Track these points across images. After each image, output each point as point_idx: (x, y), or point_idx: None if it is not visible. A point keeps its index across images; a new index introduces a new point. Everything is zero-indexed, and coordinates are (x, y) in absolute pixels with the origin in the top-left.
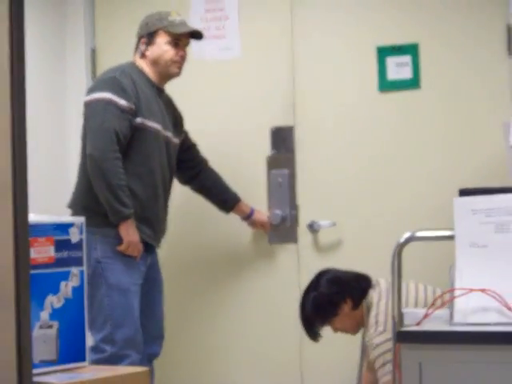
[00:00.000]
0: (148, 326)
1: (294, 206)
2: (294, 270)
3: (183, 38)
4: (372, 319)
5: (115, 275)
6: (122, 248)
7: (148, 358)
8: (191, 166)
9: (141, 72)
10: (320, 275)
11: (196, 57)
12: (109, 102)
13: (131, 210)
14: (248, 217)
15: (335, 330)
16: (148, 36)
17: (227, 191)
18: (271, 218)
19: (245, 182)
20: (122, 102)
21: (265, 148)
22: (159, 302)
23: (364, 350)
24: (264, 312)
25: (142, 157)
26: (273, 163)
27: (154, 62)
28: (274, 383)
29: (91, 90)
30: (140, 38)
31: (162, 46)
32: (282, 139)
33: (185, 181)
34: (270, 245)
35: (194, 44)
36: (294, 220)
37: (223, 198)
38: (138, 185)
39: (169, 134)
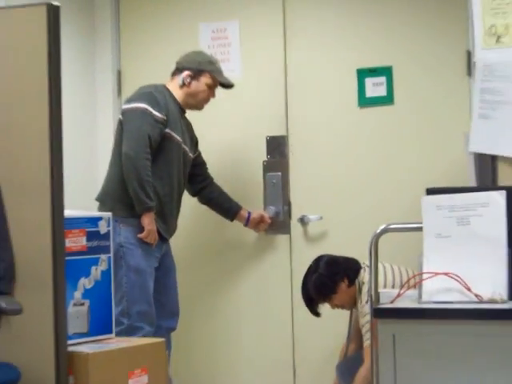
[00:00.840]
0: (165, 304)
1: (286, 203)
2: (287, 256)
3: (217, 83)
4: (365, 294)
5: (134, 259)
6: (142, 235)
7: (166, 331)
8: (200, 181)
9: (171, 94)
10: (318, 260)
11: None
12: (145, 111)
13: (154, 203)
14: (248, 219)
15: (333, 306)
16: (196, 72)
17: (230, 201)
18: (267, 212)
19: (244, 183)
20: (156, 113)
21: (261, 154)
22: (174, 284)
23: (351, 323)
24: (261, 291)
25: (165, 161)
26: (268, 167)
27: (190, 95)
28: (268, 356)
29: (130, 101)
30: (184, 69)
31: (203, 86)
32: (277, 146)
33: (194, 192)
34: (267, 235)
35: None
36: (287, 214)
37: (226, 207)
38: (158, 184)
39: (186, 148)
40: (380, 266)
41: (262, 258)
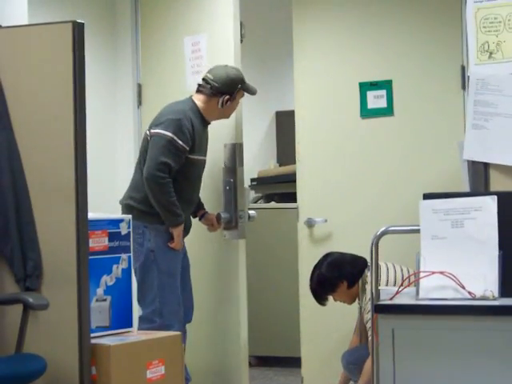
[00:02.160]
0: (184, 299)
1: (238, 209)
2: (243, 257)
3: None
4: (369, 292)
5: (165, 262)
6: (173, 245)
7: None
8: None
9: (198, 111)
10: (325, 257)
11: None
12: (170, 141)
13: (182, 218)
14: (202, 217)
15: (335, 300)
16: (231, 90)
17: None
18: (221, 217)
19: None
20: (181, 143)
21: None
22: (189, 280)
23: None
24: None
25: (187, 182)
26: (225, 173)
27: (226, 114)
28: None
29: (159, 125)
30: (222, 93)
31: (237, 103)
32: (232, 154)
33: None
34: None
35: (189, 77)
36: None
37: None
38: (180, 202)
39: (205, 158)
40: (383, 265)
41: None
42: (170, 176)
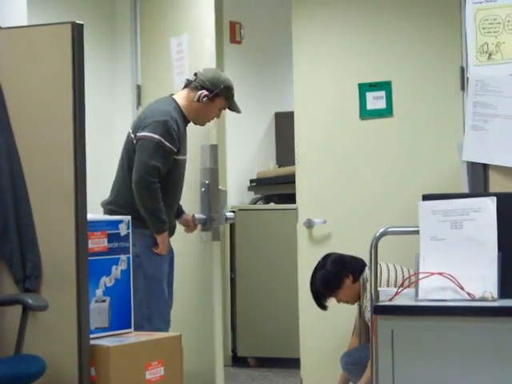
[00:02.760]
0: None
1: (215, 210)
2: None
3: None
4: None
5: (151, 267)
6: (158, 251)
7: None
8: None
9: (180, 111)
10: (326, 257)
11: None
12: (158, 144)
13: (167, 224)
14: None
15: (339, 300)
16: (213, 94)
17: None
18: (196, 220)
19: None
20: (169, 145)
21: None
22: (172, 281)
23: (358, 317)
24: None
25: (171, 183)
26: (202, 175)
27: (201, 113)
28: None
29: (146, 127)
30: (204, 88)
31: (215, 109)
32: (208, 155)
33: None
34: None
35: (175, 78)
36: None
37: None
38: (165, 203)
39: (186, 158)
40: (384, 265)
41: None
42: (159, 180)
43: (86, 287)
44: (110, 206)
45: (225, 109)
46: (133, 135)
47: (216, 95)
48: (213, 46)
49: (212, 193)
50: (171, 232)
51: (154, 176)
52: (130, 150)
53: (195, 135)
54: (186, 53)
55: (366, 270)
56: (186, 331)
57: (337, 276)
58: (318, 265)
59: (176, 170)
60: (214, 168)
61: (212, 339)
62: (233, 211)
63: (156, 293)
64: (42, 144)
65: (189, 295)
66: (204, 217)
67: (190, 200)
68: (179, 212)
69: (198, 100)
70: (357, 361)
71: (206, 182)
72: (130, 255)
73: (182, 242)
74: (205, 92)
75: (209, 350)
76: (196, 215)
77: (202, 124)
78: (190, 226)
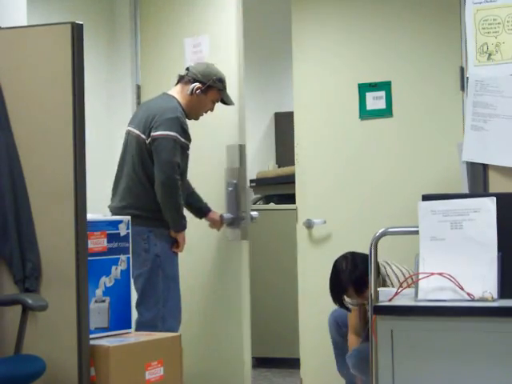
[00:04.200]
0: None
1: (243, 209)
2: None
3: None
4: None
5: (170, 267)
6: (179, 250)
7: None
8: None
9: (181, 106)
10: (354, 256)
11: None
12: (175, 140)
13: (186, 223)
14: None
15: (358, 301)
16: (206, 86)
17: (200, 202)
18: (224, 218)
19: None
20: (184, 140)
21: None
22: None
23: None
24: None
25: (181, 173)
26: (228, 175)
27: (194, 106)
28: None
29: (159, 127)
30: (196, 81)
31: (209, 101)
32: (233, 155)
33: None
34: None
35: None
36: (244, 220)
37: (198, 207)
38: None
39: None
40: (393, 267)
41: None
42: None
43: (86, 287)
44: (130, 211)
45: (218, 101)
46: (143, 136)
47: (209, 87)
48: (240, 46)
49: (240, 192)
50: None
51: (177, 173)
52: (143, 150)
53: (218, 135)
54: (205, 53)
55: (382, 269)
56: (210, 334)
57: (367, 275)
58: (343, 262)
59: (185, 162)
60: (242, 168)
61: (240, 340)
62: None
63: (172, 293)
64: (41, 144)
65: (213, 297)
66: (232, 216)
67: (214, 199)
68: (206, 209)
69: (192, 93)
70: (363, 360)
71: (234, 181)
72: (130, 255)
73: (205, 243)
74: (198, 84)
75: (237, 351)
76: (224, 214)
77: (196, 117)
78: (216, 224)
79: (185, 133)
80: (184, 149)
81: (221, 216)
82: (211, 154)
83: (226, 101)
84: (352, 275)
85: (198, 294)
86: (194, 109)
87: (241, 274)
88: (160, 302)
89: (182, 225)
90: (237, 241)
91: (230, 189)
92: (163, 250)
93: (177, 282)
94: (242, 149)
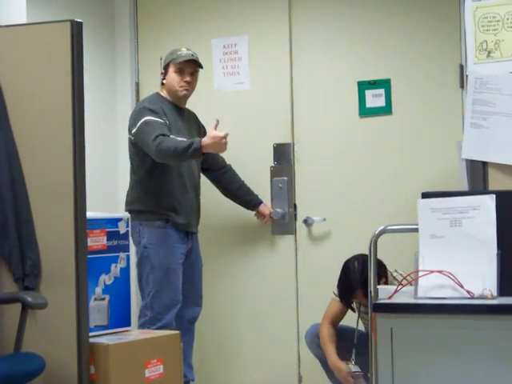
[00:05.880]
0: (189, 297)
1: (291, 205)
2: (293, 255)
3: (187, 67)
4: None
5: (157, 258)
6: (218, 133)
7: (188, 322)
8: (215, 169)
9: (164, 99)
10: (364, 259)
11: (217, 88)
12: (148, 122)
13: (195, 143)
14: (257, 206)
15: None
16: (164, 68)
17: (251, 194)
18: (273, 214)
19: (253, 187)
20: (158, 119)
21: (269, 160)
22: (198, 277)
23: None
24: (267, 286)
25: (172, 168)
26: (275, 172)
27: (169, 89)
28: (273, 351)
29: (132, 125)
30: (161, 72)
31: (171, 75)
32: (283, 153)
33: (212, 181)
34: (273, 235)
35: (215, 78)
36: (292, 216)
37: (247, 200)
38: (171, 185)
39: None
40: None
41: (268, 255)
42: (167, 133)
43: (86, 285)
44: (127, 207)
45: (180, 70)
46: (129, 135)
47: (165, 67)
48: (286, 46)
49: (289, 189)
50: (191, 227)
51: (161, 141)
52: (131, 148)
53: (266, 134)
54: (242, 54)
55: (390, 277)
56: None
57: (379, 278)
58: (355, 263)
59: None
60: (291, 165)
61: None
62: None
63: (162, 283)
64: (41, 142)
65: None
66: (282, 211)
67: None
68: (256, 201)
69: (162, 82)
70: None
71: (285, 178)
72: (130, 253)
73: (250, 241)
74: (161, 72)
75: (287, 362)
76: (277, 209)
77: (179, 94)
78: (265, 217)
79: (155, 113)
80: (164, 125)
81: (270, 212)
82: (257, 153)
83: (179, 61)
84: (362, 277)
85: (247, 297)
86: (171, 91)
87: (288, 267)
88: (151, 292)
89: (189, 150)
90: (284, 236)
91: (280, 185)
92: (150, 241)
93: (168, 273)
94: (289, 147)
